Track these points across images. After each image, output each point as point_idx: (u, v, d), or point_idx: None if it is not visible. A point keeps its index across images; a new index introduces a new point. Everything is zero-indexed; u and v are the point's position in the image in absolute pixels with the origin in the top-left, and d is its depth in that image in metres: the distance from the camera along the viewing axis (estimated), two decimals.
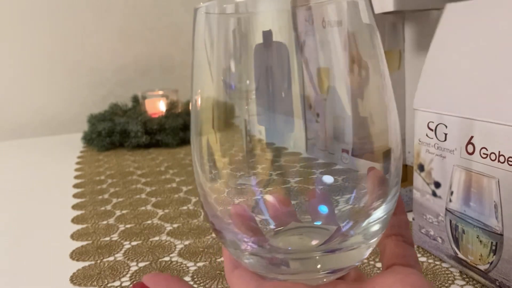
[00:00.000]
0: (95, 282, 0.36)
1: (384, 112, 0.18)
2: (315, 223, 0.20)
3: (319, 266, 0.18)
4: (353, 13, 0.17)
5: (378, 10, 0.43)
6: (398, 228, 0.22)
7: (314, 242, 0.20)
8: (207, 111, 0.18)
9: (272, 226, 0.20)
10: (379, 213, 0.19)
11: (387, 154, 0.18)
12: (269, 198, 0.20)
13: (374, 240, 0.19)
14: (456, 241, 0.32)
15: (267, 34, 0.17)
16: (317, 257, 0.18)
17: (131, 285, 0.27)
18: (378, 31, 0.18)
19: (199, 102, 0.19)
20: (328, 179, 0.19)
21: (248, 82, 0.17)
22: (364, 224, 0.18)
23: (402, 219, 0.23)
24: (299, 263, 0.18)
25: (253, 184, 0.19)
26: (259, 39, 0.17)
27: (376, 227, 0.19)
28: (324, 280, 0.19)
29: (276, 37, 0.17)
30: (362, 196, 0.19)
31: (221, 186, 0.19)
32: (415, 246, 0.37)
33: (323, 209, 0.20)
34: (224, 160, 0.19)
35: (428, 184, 0.34)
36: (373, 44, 0.17)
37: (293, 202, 0.21)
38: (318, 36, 0.17)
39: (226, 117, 0.18)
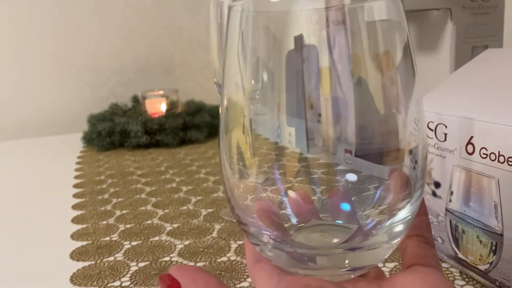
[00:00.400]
0: (95, 282, 0.36)
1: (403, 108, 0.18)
2: (336, 221, 0.21)
3: (340, 263, 0.18)
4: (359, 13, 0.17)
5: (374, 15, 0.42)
6: (420, 229, 0.22)
7: (335, 240, 0.20)
8: (236, 110, 0.19)
9: (294, 222, 0.20)
10: (403, 213, 0.19)
11: (411, 152, 0.18)
12: (292, 194, 0.20)
13: (396, 241, 0.19)
14: (456, 241, 0.32)
15: (298, 39, 0.17)
16: (340, 255, 0.18)
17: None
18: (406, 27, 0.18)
19: (225, 101, 0.19)
20: (352, 177, 0.19)
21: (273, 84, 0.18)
22: (387, 224, 0.18)
23: (424, 220, 0.23)
24: (321, 259, 0.18)
25: (278, 180, 0.19)
26: (291, 40, 0.17)
27: (399, 228, 0.19)
28: (345, 277, 0.19)
29: (309, 39, 0.17)
30: (386, 197, 0.19)
31: (248, 181, 0.19)
32: None
33: (345, 207, 0.20)
34: (252, 158, 0.19)
35: (428, 184, 0.34)
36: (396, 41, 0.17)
37: (315, 199, 0.21)
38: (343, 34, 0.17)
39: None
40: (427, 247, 0.22)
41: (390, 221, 0.18)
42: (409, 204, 0.19)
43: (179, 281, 0.20)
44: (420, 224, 0.22)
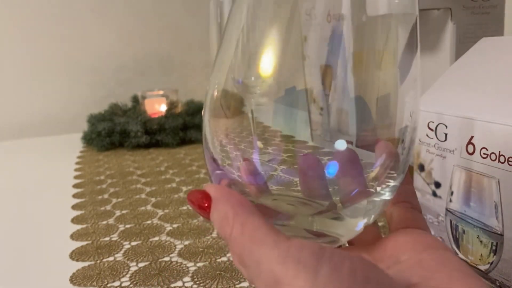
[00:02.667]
0: (94, 282, 0.36)
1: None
2: (309, 197, 0.20)
3: (309, 225, 0.18)
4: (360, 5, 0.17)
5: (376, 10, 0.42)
6: (405, 195, 0.22)
7: (307, 211, 0.20)
8: (223, 99, 0.19)
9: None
10: (385, 195, 0.19)
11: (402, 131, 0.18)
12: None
13: (372, 217, 0.19)
14: (457, 241, 0.32)
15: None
16: (309, 218, 0.18)
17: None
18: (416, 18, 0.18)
19: (215, 92, 0.19)
20: (341, 144, 0.18)
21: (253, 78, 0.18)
22: (359, 204, 0.19)
23: (409, 189, 0.22)
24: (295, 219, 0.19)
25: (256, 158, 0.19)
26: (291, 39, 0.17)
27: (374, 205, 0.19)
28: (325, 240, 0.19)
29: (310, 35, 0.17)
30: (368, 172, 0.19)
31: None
32: None
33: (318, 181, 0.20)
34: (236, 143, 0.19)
35: (428, 184, 0.34)
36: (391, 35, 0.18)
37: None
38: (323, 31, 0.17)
39: (237, 105, 0.19)
40: (415, 211, 0.21)
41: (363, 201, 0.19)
42: (387, 190, 0.19)
43: (211, 194, 0.19)
44: (406, 191, 0.22)
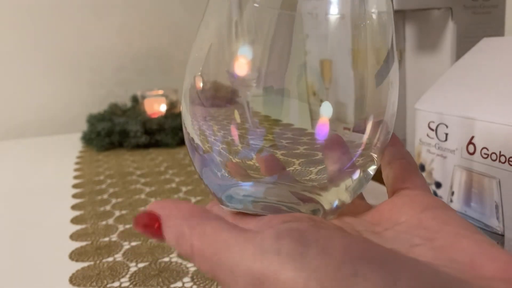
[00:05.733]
0: (94, 283, 0.36)
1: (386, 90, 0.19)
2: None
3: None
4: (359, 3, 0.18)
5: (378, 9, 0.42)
6: (399, 154, 0.21)
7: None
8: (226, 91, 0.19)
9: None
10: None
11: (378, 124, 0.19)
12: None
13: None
14: None
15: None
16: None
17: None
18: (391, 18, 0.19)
19: (200, 82, 0.19)
20: (326, 107, 0.18)
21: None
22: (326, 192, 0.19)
23: (401, 148, 0.22)
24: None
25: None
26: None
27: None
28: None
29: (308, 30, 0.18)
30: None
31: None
32: None
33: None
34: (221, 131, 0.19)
35: (429, 184, 0.34)
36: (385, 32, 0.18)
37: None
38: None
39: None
40: (411, 168, 0.21)
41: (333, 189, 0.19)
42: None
43: (158, 213, 0.17)
44: (399, 150, 0.21)
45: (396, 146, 0.22)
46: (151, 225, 0.17)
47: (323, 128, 0.18)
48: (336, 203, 0.19)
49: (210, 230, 0.15)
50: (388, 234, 0.17)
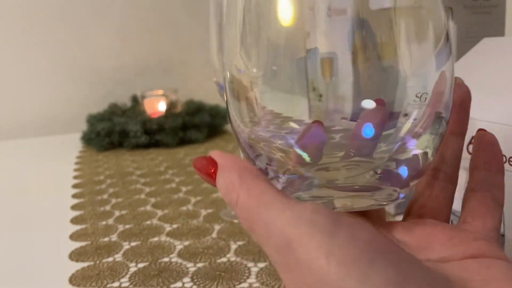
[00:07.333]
0: (94, 283, 0.36)
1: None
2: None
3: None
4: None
5: (376, 5, 0.42)
6: (488, 184, 0.19)
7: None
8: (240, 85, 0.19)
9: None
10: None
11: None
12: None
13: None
14: None
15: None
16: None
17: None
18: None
19: (228, 75, 0.19)
20: (369, 103, 0.17)
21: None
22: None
23: (497, 179, 0.20)
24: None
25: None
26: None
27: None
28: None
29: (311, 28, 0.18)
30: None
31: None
32: None
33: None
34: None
35: None
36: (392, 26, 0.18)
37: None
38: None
39: None
40: (493, 205, 0.19)
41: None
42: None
43: (217, 160, 0.18)
44: (493, 181, 0.19)
45: (491, 173, 0.20)
46: (208, 168, 0.18)
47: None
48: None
49: (257, 187, 0.17)
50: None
